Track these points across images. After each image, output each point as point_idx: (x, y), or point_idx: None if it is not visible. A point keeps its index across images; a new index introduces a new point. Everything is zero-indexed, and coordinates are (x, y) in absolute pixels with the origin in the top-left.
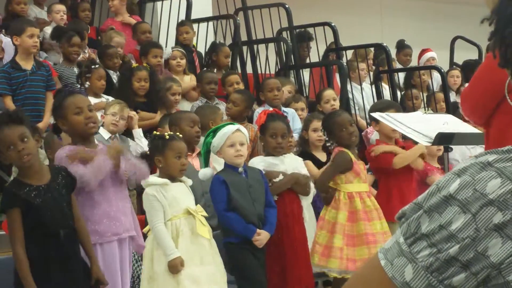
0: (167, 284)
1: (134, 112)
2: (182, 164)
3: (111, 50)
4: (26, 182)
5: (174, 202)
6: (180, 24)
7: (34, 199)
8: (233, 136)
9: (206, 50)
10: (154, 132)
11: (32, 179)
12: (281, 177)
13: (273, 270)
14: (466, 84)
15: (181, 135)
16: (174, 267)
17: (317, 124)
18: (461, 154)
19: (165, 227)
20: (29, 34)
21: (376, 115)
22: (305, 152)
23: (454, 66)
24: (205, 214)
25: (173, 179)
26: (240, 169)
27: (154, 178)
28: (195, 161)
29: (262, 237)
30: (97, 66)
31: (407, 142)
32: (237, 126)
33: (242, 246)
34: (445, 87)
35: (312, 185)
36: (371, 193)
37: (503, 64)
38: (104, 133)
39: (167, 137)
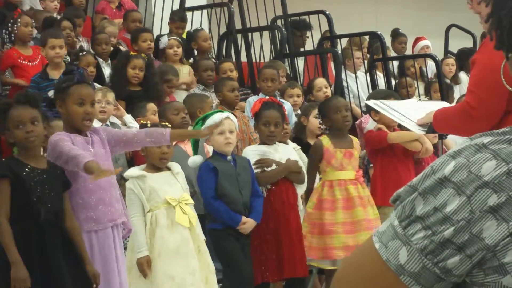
0: (141, 278)
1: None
2: (162, 152)
3: (101, 35)
4: (23, 161)
5: (154, 193)
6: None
7: (26, 177)
8: (223, 123)
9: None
10: (141, 120)
11: (30, 161)
12: (274, 166)
13: (269, 257)
14: (462, 73)
15: (169, 124)
16: (140, 265)
17: None
18: (454, 141)
19: (141, 221)
20: (51, 45)
21: (370, 102)
22: (299, 139)
23: (448, 55)
24: (191, 202)
25: (157, 168)
26: (229, 157)
27: (131, 171)
28: (188, 147)
29: (247, 225)
30: (84, 53)
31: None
32: (226, 113)
33: (227, 232)
34: (439, 76)
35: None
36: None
37: (499, 46)
38: (94, 122)
39: (149, 125)
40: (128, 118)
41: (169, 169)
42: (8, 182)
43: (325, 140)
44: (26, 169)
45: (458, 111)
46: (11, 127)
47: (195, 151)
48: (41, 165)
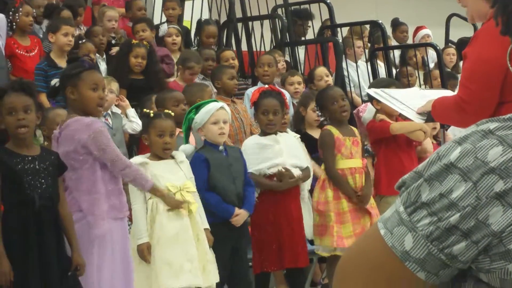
0: (142, 262)
1: (122, 96)
2: (164, 142)
3: (96, 28)
4: (13, 150)
5: (155, 180)
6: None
7: (16, 166)
8: (217, 113)
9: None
10: (144, 110)
11: (21, 150)
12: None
13: (269, 247)
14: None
15: (172, 113)
16: (141, 251)
17: None
18: (453, 131)
19: (142, 208)
20: (64, 32)
21: (370, 91)
22: (298, 130)
23: (449, 44)
24: (193, 190)
25: (161, 157)
26: (221, 147)
27: (135, 158)
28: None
29: (239, 217)
30: (84, 41)
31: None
32: (221, 103)
33: (216, 229)
34: (440, 64)
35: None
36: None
37: (505, 31)
38: None
39: (151, 115)
40: (131, 112)
41: (173, 157)
42: None
43: (333, 130)
44: (18, 159)
45: (452, 103)
46: (4, 113)
47: (186, 140)
48: (33, 152)
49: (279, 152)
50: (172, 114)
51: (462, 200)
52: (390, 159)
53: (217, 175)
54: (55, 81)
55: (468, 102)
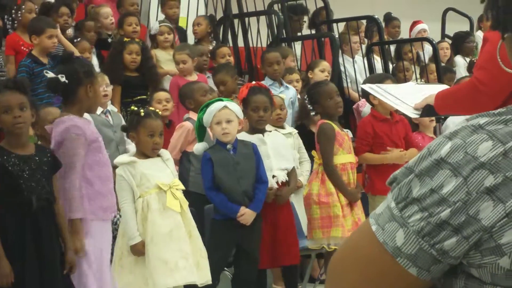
0: (137, 261)
1: None
2: (154, 142)
3: (89, 22)
4: (8, 149)
5: (144, 178)
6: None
7: (12, 166)
8: (219, 113)
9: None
10: (132, 107)
11: (16, 149)
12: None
13: (263, 246)
14: (458, 56)
15: (159, 112)
16: (137, 251)
17: None
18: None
19: (132, 207)
20: (49, 35)
21: (366, 86)
22: (302, 125)
23: (445, 39)
24: (182, 188)
25: (147, 155)
26: (229, 146)
27: (121, 158)
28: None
29: (246, 216)
30: (79, 39)
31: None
32: (224, 103)
33: (224, 224)
34: (436, 59)
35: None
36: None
37: (495, 26)
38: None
39: (142, 114)
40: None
41: (159, 155)
42: None
43: (332, 124)
44: (12, 158)
45: (465, 87)
46: None
47: (199, 138)
48: (28, 150)
49: (265, 154)
50: (160, 113)
51: (453, 195)
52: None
53: (222, 174)
54: (62, 78)
55: (485, 83)
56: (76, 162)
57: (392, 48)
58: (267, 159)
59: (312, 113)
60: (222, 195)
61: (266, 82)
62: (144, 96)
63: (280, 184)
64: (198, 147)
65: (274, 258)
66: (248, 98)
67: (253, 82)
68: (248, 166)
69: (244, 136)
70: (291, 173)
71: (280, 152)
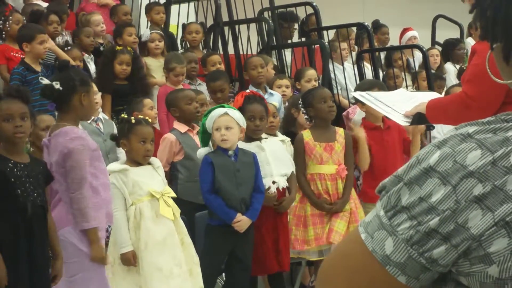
0: (129, 268)
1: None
2: (146, 149)
3: (87, 28)
4: (5, 156)
5: (136, 186)
6: (155, 4)
7: (10, 172)
8: (219, 120)
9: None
10: (122, 114)
11: (13, 156)
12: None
13: (257, 252)
14: (448, 63)
15: (150, 120)
16: (127, 260)
17: None
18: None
19: (124, 215)
20: (40, 41)
21: (356, 94)
22: (289, 131)
23: (435, 46)
24: (173, 195)
25: (138, 162)
26: (230, 152)
27: (113, 165)
28: (196, 138)
29: (241, 223)
30: (70, 48)
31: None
32: (225, 109)
33: (220, 229)
34: (427, 66)
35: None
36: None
37: (484, 36)
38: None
39: (133, 121)
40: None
41: (149, 163)
42: None
43: (306, 134)
44: (10, 164)
45: (455, 101)
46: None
47: (203, 143)
48: (24, 159)
49: (265, 160)
50: (150, 120)
51: (442, 203)
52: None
53: (222, 179)
54: (57, 85)
55: (474, 99)
56: (85, 173)
57: (382, 55)
58: (267, 165)
59: (306, 117)
60: (220, 200)
61: (250, 88)
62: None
63: (281, 190)
64: (201, 152)
65: (267, 265)
66: (244, 107)
67: (248, 91)
68: (248, 174)
69: (241, 145)
70: (291, 180)
71: (279, 157)
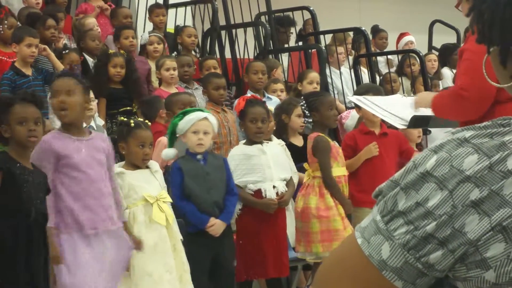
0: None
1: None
2: (144, 153)
3: (93, 32)
4: (14, 158)
5: (132, 190)
6: (156, 6)
7: (18, 173)
8: (199, 123)
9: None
10: (121, 117)
11: (21, 160)
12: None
13: (255, 256)
14: (445, 68)
15: (149, 123)
16: None
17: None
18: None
19: None
20: (27, 43)
21: (353, 98)
22: (282, 139)
23: (432, 50)
24: (169, 200)
25: (136, 166)
26: (199, 156)
27: None
28: None
29: (215, 227)
30: (67, 51)
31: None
32: (205, 114)
33: (196, 238)
34: (423, 71)
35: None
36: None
37: (481, 39)
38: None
39: (132, 124)
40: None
41: (147, 167)
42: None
43: (326, 137)
44: (18, 166)
45: (451, 94)
46: (13, 122)
47: (170, 144)
48: (29, 165)
49: (266, 164)
50: (149, 124)
51: (438, 208)
52: (359, 171)
53: (192, 184)
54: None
55: (466, 89)
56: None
57: (382, 59)
58: (268, 169)
59: (307, 122)
60: (192, 205)
61: (249, 93)
62: (129, 108)
63: (279, 195)
64: (168, 153)
65: (265, 269)
66: (246, 110)
67: (249, 95)
68: (218, 177)
69: (242, 147)
70: (289, 185)
71: (279, 161)
